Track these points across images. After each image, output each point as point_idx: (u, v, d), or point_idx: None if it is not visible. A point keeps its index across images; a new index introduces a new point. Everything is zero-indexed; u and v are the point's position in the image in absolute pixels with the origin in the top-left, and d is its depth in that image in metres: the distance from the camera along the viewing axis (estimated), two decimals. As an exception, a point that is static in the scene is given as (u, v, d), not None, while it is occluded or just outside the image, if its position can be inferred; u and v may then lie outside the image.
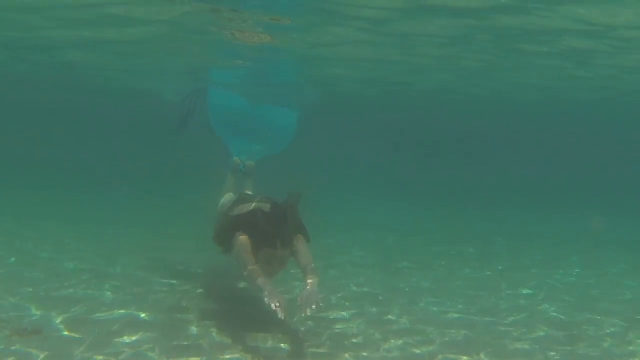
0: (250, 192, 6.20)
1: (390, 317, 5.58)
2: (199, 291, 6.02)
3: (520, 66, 11.14)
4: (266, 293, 4.14)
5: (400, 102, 18.14)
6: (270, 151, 7.47)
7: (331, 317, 5.40)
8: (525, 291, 6.91)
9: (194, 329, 4.91)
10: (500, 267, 8.18)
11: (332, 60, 11.33)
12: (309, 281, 4.35)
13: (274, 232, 4.46)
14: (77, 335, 4.60)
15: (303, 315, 4.11)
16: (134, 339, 4.62)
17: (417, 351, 4.75)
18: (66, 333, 4.66)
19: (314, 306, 4.07)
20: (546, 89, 14.31)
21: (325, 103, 17.13)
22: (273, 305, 4.03)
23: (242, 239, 4.57)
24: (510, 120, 22.92)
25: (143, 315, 5.18)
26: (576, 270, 8.30)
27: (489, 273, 7.83)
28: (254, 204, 5.04)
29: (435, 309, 5.95)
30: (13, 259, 6.99)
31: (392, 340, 4.92)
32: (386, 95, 16.47)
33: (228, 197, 6.04)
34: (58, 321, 4.90)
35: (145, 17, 8.59)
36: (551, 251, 9.77)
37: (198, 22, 8.69)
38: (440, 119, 22.90)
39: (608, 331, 5.53)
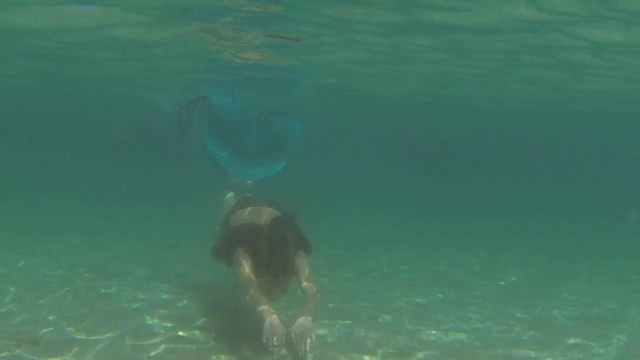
0: (250, 195, 6.15)
1: (389, 325, 5.54)
2: (199, 301, 6.00)
3: (522, 78, 11.23)
4: (267, 323, 4.06)
5: (402, 112, 18.23)
6: (268, 173, 7.39)
7: (331, 326, 5.37)
8: (532, 303, 6.82)
9: (194, 338, 4.88)
10: (504, 281, 8.04)
11: (336, 73, 11.41)
12: (305, 311, 4.27)
13: (275, 260, 4.29)
14: (75, 346, 4.57)
15: (300, 354, 4.05)
16: (133, 349, 4.59)
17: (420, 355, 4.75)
18: (64, 343, 4.62)
19: (308, 340, 4.04)
20: (549, 101, 14.41)
21: (325, 113, 17.18)
22: (270, 345, 3.97)
23: (243, 258, 4.43)
24: (517, 131, 22.96)
25: (141, 326, 5.15)
26: (585, 284, 8.18)
27: (494, 285, 7.71)
28: (254, 214, 4.91)
29: (437, 316, 5.92)
30: (7, 268, 7.01)
31: (392, 349, 4.89)
32: (386, 105, 16.53)
33: (229, 198, 6.02)
34: (56, 331, 4.88)
35: (147, 38, 8.71)
36: (558, 263, 9.64)
37: (199, 42, 8.78)
38: (444, 130, 22.96)
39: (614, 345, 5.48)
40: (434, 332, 5.37)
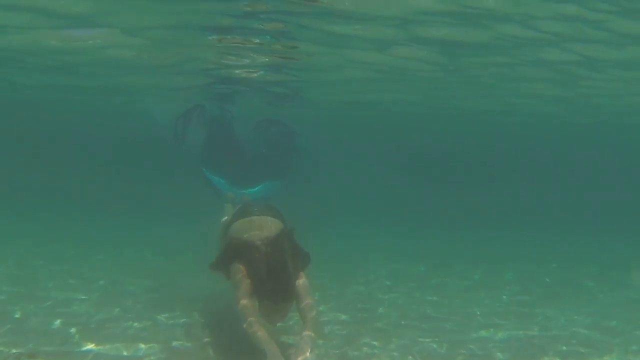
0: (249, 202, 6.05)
1: (388, 334, 5.51)
2: (196, 311, 5.96)
3: (519, 92, 11.31)
4: (268, 358, 3.99)
5: (402, 122, 18.25)
6: (266, 193, 7.29)
7: (329, 337, 5.37)
8: (532, 312, 6.79)
9: (189, 347, 4.89)
10: (505, 290, 7.93)
11: (335, 87, 11.50)
12: (305, 341, 4.18)
13: (275, 286, 4.17)
14: (71, 356, 4.56)
15: None
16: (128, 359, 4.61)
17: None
18: (61, 355, 4.60)
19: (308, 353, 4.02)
20: (551, 114, 14.48)
21: (325, 122, 17.20)
22: None
23: (241, 280, 4.32)
24: (521, 143, 22.96)
25: (137, 336, 5.15)
26: (587, 293, 8.10)
27: (496, 295, 7.60)
28: (254, 228, 4.73)
29: (436, 326, 5.90)
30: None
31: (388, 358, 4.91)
32: (386, 115, 16.53)
33: (228, 209, 5.95)
34: (52, 342, 4.86)
35: (147, 59, 8.85)
36: (564, 274, 9.56)
37: (199, 60, 8.91)
38: (445, 140, 22.96)
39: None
40: (431, 341, 5.37)
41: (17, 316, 5.56)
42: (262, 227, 4.71)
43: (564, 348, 5.44)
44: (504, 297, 7.61)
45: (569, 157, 27.16)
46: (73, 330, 5.18)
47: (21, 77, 11.67)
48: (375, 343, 5.23)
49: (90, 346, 4.79)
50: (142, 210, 14.84)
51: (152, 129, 13.33)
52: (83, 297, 6.37)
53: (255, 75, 9.93)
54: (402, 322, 6.01)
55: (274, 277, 4.19)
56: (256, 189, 7.25)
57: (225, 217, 6.03)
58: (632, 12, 5.75)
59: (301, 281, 4.42)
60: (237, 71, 9.75)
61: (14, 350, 4.55)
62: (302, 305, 4.36)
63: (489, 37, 6.93)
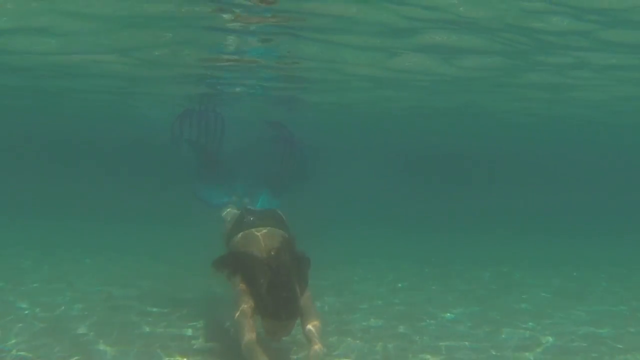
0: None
1: (389, 337, 5.53)
2: (202, 317, 5.93)
3: (514, 96, 11.34)
4: None
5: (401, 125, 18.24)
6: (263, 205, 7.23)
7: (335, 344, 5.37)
8: (543, 314, 6.74)
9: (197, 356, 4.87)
10: (510, 297, 7.75)
11: (334, 93, 11.55)
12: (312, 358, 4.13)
13: (279, 303, 4.05)
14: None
15: None
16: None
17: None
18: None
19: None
20: (553, 117, 14.49)
21: (324, 126, 17.21)
22: None
23: (243, 298, 4.23)
24: (524, 143, 22.96)
25: (141, 347, 5.07)
26: (594, 299, 7.94)
27: (506, 300, 7.49)
28: (256, 241, 4.72)
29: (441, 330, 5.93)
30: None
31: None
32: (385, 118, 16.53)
33: (230, 212, 5.85)
34: (46, 350, 4.84)
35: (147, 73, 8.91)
36: (570, 274, 9.54)
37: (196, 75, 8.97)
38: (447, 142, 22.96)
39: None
40: (432, 341, 5.41)
41: (9, 319, 5.57)
42: (263, 240, 4.70)
43: (570, 346, 5.48)
44: (509, 297, 7.62)
45: (577, 159, 27.11)
46: (68, 335, 5.17)
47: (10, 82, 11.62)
48: (376, 344, 5.24)
49: (86, 351, 4.77)
50: (141, 214, 14.83)
51: (149, 133, 13.30)
52: (79, 302, 6.34)
53: (253, 82, 10.00)
54: (404, 323, 6.00)
55: (275, 292, 4.07)
56: (257, 205, 7.18)
57: (228, 213, 5.93)
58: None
59: (307, 298, 4.37)
60: (234, 81, 9.82)
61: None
62: (305, 321, 4.31)
63: (487, 41, 6.96)
